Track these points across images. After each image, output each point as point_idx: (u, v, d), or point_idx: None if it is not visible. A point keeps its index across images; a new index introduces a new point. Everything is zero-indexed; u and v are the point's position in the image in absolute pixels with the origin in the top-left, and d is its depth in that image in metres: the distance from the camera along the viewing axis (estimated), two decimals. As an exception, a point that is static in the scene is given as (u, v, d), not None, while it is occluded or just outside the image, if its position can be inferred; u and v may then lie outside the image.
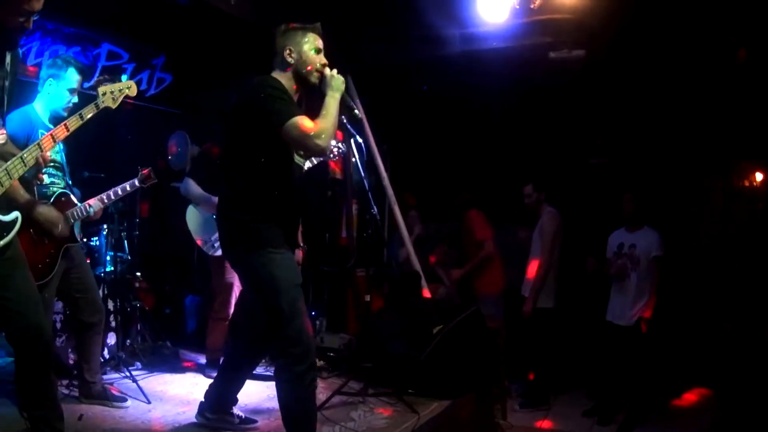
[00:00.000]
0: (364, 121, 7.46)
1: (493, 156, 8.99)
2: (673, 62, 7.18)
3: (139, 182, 5.09)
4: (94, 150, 6.70)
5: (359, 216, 8.27)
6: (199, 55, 7.56)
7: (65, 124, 3.55)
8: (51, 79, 4.60)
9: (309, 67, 3.92)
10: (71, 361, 5.35)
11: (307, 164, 5.38)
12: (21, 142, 4.07)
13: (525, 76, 7.66)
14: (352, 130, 5.26)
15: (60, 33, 6.55)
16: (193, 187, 5.95)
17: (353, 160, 5.42)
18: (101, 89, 3.75)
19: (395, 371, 5.50)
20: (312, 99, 4.02)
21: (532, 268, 7.03)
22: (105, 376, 5.30)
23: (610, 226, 7.00)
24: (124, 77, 3.95)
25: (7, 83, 3.37)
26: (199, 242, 5.98)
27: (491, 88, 7.92)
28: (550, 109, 8.32)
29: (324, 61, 3.97)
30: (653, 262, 6.51)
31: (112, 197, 4.94)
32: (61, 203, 4.62)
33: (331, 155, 5.69)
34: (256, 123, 3.73)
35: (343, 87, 3.89)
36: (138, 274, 6.77)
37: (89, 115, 3.63)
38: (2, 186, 3.25)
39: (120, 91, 3.79)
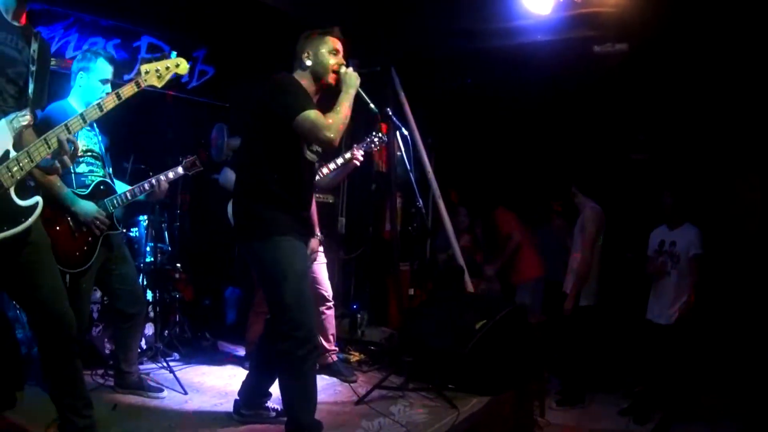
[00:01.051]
0: (408, 114, 7.29)
1: (535, 149, 8.74)
2: (715, 57, 6.91)
3: (184, 169, 4.96)
4: (136, 141, 6.60)
5: (403, 209, 8.10)
6: (241, 48, 7.40)
7: (98, 104, 3.28)
8: (81, 72, 4.46)
9: (324, 68, 3.94)
10: (107, 351, 5.25)
11: (332, 165, 5.44)
12: None
13: (568, 70, 7.41)
14: (398, 123, 5.15)
15: (98, 26, 6.44)
16: (231, 175, 5.79)
17: (398, 153, 5.28)
18: (143, 67, 3.46)
19: (436, 366, 5.33)
20: (330, 103, 3.94)
21: (574, 264, 6.79)
22: (142, 366, 5.19)
23: (652, 222, 6.74)
24: (173, 54, 3.64)
25: (33, 68, 3.19)
26: None
27: (534, 82, 7.70)
28: (592, 104, 8.07)
29: (341, 61, 3.99)
30: (693, 260, 6.24)
31: (154, 184, 4.74)
32: (101, 192, 4.47)
33: (373, 145, 5.61)
34: (269, 117, 3.77)
35: (357, 83, 3.91)
36: (178, 265, 6.59)
37: (128, 95, 3.36)
38: (22, 169, 3.04)
39: (167, 68, 3.51)
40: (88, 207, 4.29)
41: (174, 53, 3.66)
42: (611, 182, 7.90)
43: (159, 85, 3.52)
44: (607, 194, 7.17)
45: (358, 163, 5.48)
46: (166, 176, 4.82)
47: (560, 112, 8.26)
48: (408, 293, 7.08)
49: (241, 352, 6.17)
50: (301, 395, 3.83)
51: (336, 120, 3.70)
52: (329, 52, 3.96)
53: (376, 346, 6.77)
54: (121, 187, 4.71)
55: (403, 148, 5.20)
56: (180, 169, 4.93)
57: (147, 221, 6.04)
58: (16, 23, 3.16)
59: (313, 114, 3.66)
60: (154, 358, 5.53)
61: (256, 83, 6.13)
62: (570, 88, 7.76)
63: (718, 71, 7.14)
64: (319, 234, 5.36)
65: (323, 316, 5.65)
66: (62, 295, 3.26)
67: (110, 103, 3.31)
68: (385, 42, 7.43)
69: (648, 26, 6.47)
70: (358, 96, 3.92)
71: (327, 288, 5.68)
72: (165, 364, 5.26)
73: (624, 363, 7.16)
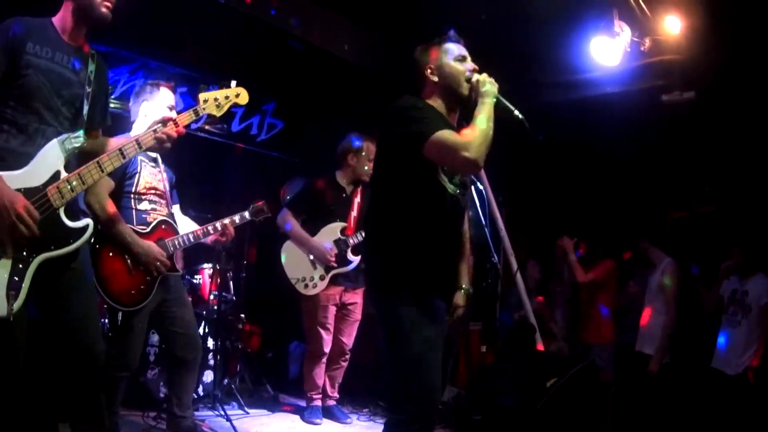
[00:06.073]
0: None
1: (607, 203, 8.21)
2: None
3: (250, 215, 4.55)
4: (203, 191, 6.34)
5: (476, 266, 7.67)
6: (310, 101, 7.09)
7: (155, 131, 3.01)
8: (145, 102, 4.13)
9: (455, 80, 3.14)
10: (162, 394, 4.87)
11: None
12: (117, 170, 3.35)
13: (637, 121, 6.96)
14: (472, 177, 4.84)
15: (164, 72, 6.15)
16: (290, 219, 5.43)
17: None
18: (202, 96, 3.19)
19: (505, 424, 4.92)
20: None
21: (645, 317, 6.23)
22: (198, 413, 4.82)
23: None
24: (233, 83, 3.33)
25: (89, 89, 2.96)
26: (291, 280, 5.43)
27: (603, 134, 7.25)
28: (660, 155, 7.55)
29: (472, 66, 3.16)
30: (764, 309, 5.70)
31: (219, 228, 4.33)
32: (161, 231, 4.10)
33: None
34: (397, 149, 3.02)
35: (495, 89, 3.06)
36: (242, 315, 6.22)
37: (186, 122, 3.09)
38: (73, 190, 2.81)
39: (226, 98, 3.24)
40: (148, 246, 3.93)
41: (234, 82, 3.34)
42: (679, 235, 7.35)
43: (218, 114, 3.24)
44: (675, 247, 6.66)
45: None
46: (232, 220, 4.43)
47: (629, 164, 7.75)
48: (480, 351, 6.58)
49: (303, 404, 5.69)
50: None
51: (473, 136, 2.87)
52: (455, 59, 3.17)
53: (443, 405, 6.21)
54: (185, 227, 4.36)
55: (478, 204, 4.83)
56: (246, 214, 4.53)
57: (212, 269, 5.67)
58: (72, 44, 2.95)
59: (445, 134, 2.88)
60: (211, 406, 5.15)
61: (326, 137, 5.89)
62: (638, 140, 7.27)
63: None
64: (467, 287, 3.77)
65: (337, 367, 5.61)
66: (92, 326, 3.01)
67: (168, 130, 3.04)
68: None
69: (715, 73, 6.08)
70: (497, 103, 3.07)
71: (349, 343, 5.57)
72: (222, 412, 4.88)
73: (694, 416, 6.52)
